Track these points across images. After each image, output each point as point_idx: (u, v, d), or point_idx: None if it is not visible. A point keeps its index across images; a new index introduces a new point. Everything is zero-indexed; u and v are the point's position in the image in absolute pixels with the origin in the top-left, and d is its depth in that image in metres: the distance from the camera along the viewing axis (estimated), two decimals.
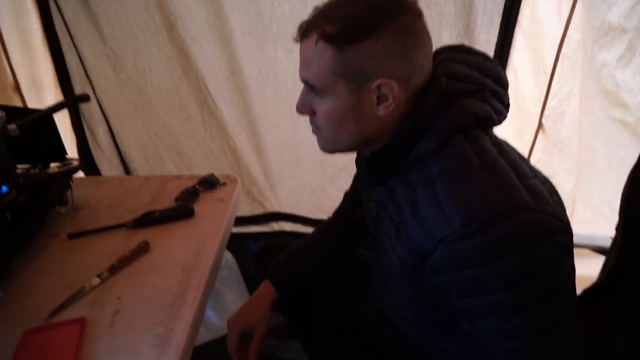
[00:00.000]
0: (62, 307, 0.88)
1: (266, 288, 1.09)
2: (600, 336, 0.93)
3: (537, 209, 0.64)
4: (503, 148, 0.72)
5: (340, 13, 0.69)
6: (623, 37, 1.17)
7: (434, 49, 0.78)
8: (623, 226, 0.94)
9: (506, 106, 0.79)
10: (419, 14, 0.71)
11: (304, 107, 0.78)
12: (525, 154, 1.64)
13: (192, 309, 0.86)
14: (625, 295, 0.92)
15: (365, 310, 1.04)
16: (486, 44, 1.55)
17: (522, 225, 0.63)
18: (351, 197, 1.17)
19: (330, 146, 0.81)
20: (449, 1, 1.49)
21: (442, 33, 1.55)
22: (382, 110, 0.72)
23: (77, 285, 0.93)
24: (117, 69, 1.68)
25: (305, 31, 0.72)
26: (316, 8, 0.72)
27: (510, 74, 1.58)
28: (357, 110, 0.72)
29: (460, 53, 0.78)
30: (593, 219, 1.46)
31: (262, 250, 1.30)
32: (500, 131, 1.68)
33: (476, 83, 0.74)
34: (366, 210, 0.93)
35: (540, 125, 1.58)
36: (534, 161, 1.64)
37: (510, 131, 1.66)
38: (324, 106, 0.74)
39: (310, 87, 0.75)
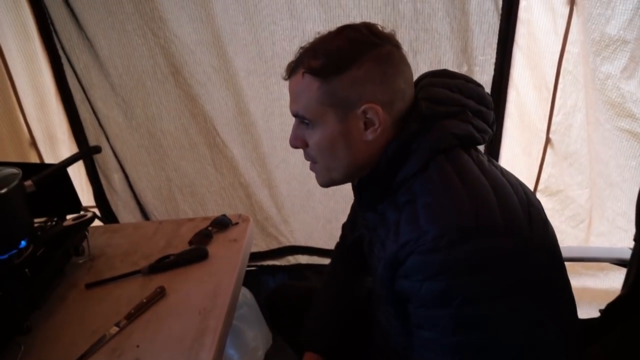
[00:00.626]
0: (83, 357, 0.89)
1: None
2: (631, 350, 0.91)
3: (503, 232, 0.66)
4: (484, 166, 0.75)
5: (323, 48, 0.75)
6: (624, 48, 1.18)
7: (459, 73, 0.83)
8: None
9: (491, 125, 0.81)
10: (396, 45, 0.76)
11: (296, 141, 0.81)
12: (535, 171, 1.63)
13: (211, 352, 0.86)
14: None
15: (374, 339, 1.02)
16: (486, 65, 1.57)
17: (485, 247, 0.65)
18: (349, 226, 1.18)
19: (326, 177, 0.84)
20: (444, 25, 1.52)
21: (441, 58, 1.57)
22: (370, 135, 0.75)
23: (97, 335, 0.93)
24: (128, 116, 1.73)
25: (292, 69, 0.77)
26: (301, 47, 0.78)
27: (513, 92, 1.59)
28: (346, 136, 0.76)
29: (442, 78, 0.81)
30: (610, 231, 1.44)
31: (272, 295, 1.29)
32: (508, 149, 1.69)
33: (457, 105, 0.77)
34: (359, 238, 0.95)
35: (548, 140, 1.58)
36: (545, 177, 1.63)
37: (518, 149, 1.66)
38: (315, 136, 0.78)
39: (301, 120, 0.79)
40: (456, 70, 1.61)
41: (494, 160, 0.80)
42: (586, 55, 1.32)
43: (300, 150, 0.84)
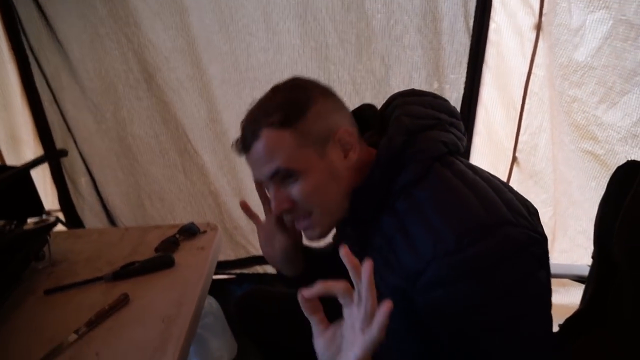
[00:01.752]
0: None
1: None
2: None
3: (515, 223, 0.68)
4: (475, 169, 0.77)
5: (273, 105, 0.76)
6: (592, 74, 1.22)
7: (406, 88, 0.88)
8: (598, 255, 0.96)
9: (464, 133, 0.85)
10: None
11: (283, 203, 0.78)
12: None
13: None
14: (605, 323, 0.93)
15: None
16: (456, 83, 1.62)
17: (507, 238, 0.67)
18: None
19: (326, 223, 0.81)
20: (416, 43, 1.56)
21: (412, 74, 1.61)
22: (352, 158, 0.78)
23: (54, 343, 0.90)
24: (97, 119, 1.71)
25: (249, 138, 0.76)
26: (243, 121, 0.80)
27: (482, 110, 1.64)
28: (331, 171, 0.77)
29: (412, 96, 0.85)
30: (571, 248, 1.48)
31: (242, 298, 1.27)
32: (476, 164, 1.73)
33: (434, 118, 0.80)
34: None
35: (514, 159, 1.63)
36: None
37: (486, 165, 1.68)
38: (305, 185, 0.76)
39: (282, 176, 0.77)
40: (427, 88, 1.67)
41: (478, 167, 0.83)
42: (552, 78, 1.37)
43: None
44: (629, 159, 0.90)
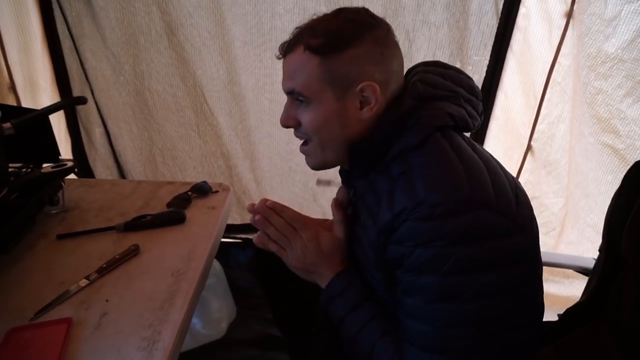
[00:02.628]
0: (49, 307, 0.88)
1: None
2: (583, 355, 0.95)
3: (496, 208, 0.68)
4: (476, 148, 0.78)
5: (323, 27, 0.76)
6: (621, 67, 1.20)
7: (452, 65, 0.85)
8: (606, 248, 0.97)
9: (480, 114, 0.84)
10: (389, 29, 0.80)
11: (288, 120, 0.82)
12: (514, 175, 1.67)
13: (181, 313, 0.86)
14: (606, 315, 0.94)
15: None
16: (479, 65, 1.60)
17: (480, 220, 0.67)
18: None
19: (319, 158, 0.84)
20: (443, 23, 1.54)
21: (436, 52, 1.59)
22: (365, 114, 0.78)
23: (65, 286, 0.93)
24: (116, 71, 1.70)
25: (289, 46, 0.78)
26: (298, 27, 0.79)
27: (501, 95, 1.62)
28: (342, 115, 0.78)
29: (435, 67, 0.84)
30: (579, 240, 1.49)
31: (258, 255, 1.28)
32: (490, 150, 1.72)
33: (450, 90, 0.80)
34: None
35: (529, 147, 1.62)
36: (522, 182, 1.66)
37: (500, 152, 1.69)
38: (310, 114, 0.79)
39: (296, 97, 0.79)
40: None
41: (481, 147, 0.83)
42: (578, 68, 1.35)
43: (287, 129, 0.84)
44: None
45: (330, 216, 1.26)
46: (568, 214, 1.53)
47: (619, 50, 1.19)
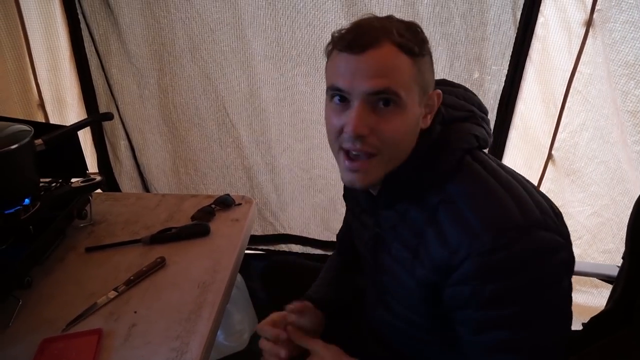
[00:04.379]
0: (80, 318, 0.91)
1: None
2: None
3: (546, 226, 0.68)
4: (505, 167, 0.77)
5: (403, 28, 0.70)
6: None
7: (446, 76, 0.88)
8: (630, 255, 0.95)
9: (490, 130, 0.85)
10: None
11: (364, 127, 0.70)
12: (535, 184, 1.66)
13: (208, 324, 0.88)
14: (632, 324, 0.93)
15: (368, 344, 1.02)
16: (497, 75, 1.60)
17: (540, 241, 0.67)
18: (346, 237, 1.14)
19: (380, 173, 0.75)
20: (460, 31, 1.54)
21: (454, 62, 1.59)
22: (423, 123, 0.75)
23: (94, 298, 0.96)
24: (141, 85, 1.74)
25: (369, 40, 0.68)
26: (360, 22, 0.72)
27: (521, 105, 1.62)
28: (417, 121, 0.74)
29: (445, 86, 0.83)
30: (618, 249, 1.46)
31: (268, 269, 1.31)
32: (509, 160, 1.71)
33: (467, 110, 0.80)
34: (357, 237, 0.96)
35: (550, 156, 1.60)
36: (543, 191, 1.65)
37: (520, 161, 1.68)
38: (399, 119, 0.70)
39: (384, 99, 0.69)
40: (467, 77, 1.65)
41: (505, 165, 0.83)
42: (608, 77, 1.33)
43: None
44: None
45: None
46: (609, 222, 1.50)
47: None
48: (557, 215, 0.72)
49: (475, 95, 0.86)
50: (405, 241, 0.78)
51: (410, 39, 0.69)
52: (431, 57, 0.74)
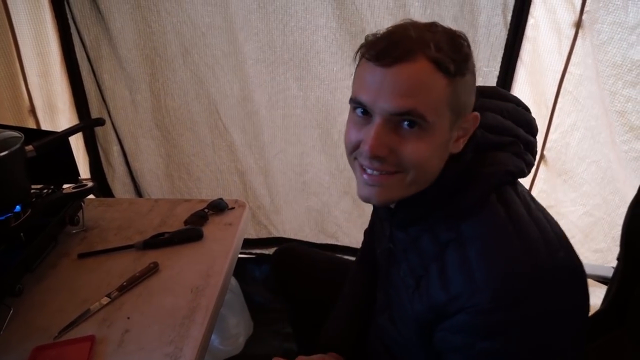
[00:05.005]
0: (72, 325, 0.90)
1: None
2: None
3: (556, 279, 0.62)
4: (530, 207, 0.68)
5: (446, 43, 0.62)
6: None
7: (510, 94, 0.79)
8: (624, 256, 0.96)
9: (535, 153, 0.77)
10: None
11: (382, 148, 0.64)
12: (527, 185, 1.67)
13: (201, 329, 0.88)
14: (626, 324, 0.93)
15: (370, 341, 1.02)
16: (489, 77, 1.61)
17: (542, 306, 0.61)
18: (369, 232, 1.13)
19: (399, 194, 0.69)
20: None
21: None
22: (455, 147, 0.68)
23: (87, 304, 0.95)
24: (132, 90, 1.74)
25: (403, 52, 0.61)
26: (396, 28, 0.65)
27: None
28: (446, 146, 0.67)
29: (493, 99, 0.75)
30: (609, 248, 1.47)
31: (279, 255, 1.29)
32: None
33: (510, 135, 0.72)
34: (377, 240, 0.94)
35: (542, 156, 1.61)
36: (535, 192, 1.66)
37: None
38: (423, 143, 0.64)
39: (408, 120, 0.63)
40: None
41: (533, 197, 0.75)
42: (597, 77, 1.34)
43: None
44: None
45: (344, 229, 1.27)
46: (600, 222, 1.51)
47: None
48: (569, 250, 0.66)
49: (528, 111, 0.78)
50: (412, 268, 0.75)
51: (449, 54, 0.61)
52: (474, 75, 0.66)
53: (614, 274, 1.01)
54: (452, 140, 0.67)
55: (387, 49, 0.61)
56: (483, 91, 0.75)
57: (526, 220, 0.65)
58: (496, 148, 0.70)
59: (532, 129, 0.76)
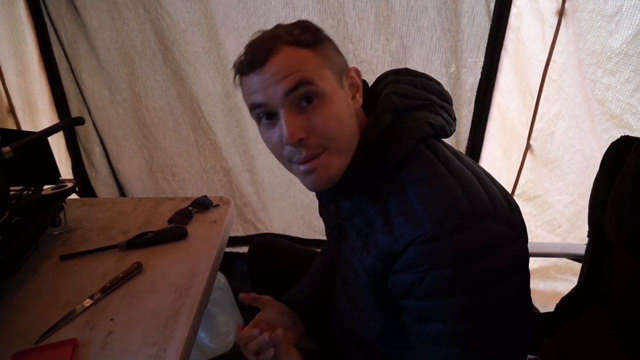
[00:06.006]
0: (54, 328, 0.88)
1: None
2: (581, 344, 0.94)
3: (495, 216, 0.67)
4: (460, 156, 0.76)
5: (289, 28, 0.73)
6: (627, 61, 1.20)
7: (423, 70, 0.85)
8: (593, 233, 0.96)
9: (454, 119, 0.84)
10: None
11: (299, 130, 0.69)
12: (514, 175, 1.67)
13: (186, 329, 0.86)
14: (600, 300, 0.94)
15: (335, 333, 1.02)
16: (473, 67, 1.60)
17: (486, 232, 0.66)
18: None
19: (335, 166, 0.73)
20: (436, 24, 1.54)
21: (430, 57, 1.59)
22: (358, 101, 0.76)
23: (69, 307, 0.93)
24: (112, 90, 1.71)
25: (265, 52, 0.69)
26: (248, 44, 0.73)
27: (498, 96, 1.62)
28: (347, 103, 0.74)
29: (405, 75, 0.83)
30: None
31: (256, 246, 1.29)
32: (489, 151, 1.72)
33: (424, 99, 0.79)
34: (327, 229, 0.96)
35: (528, 146, 1.61)
36: (522, 182, 1.67)
37: (499, 152, 1.69)
38: (328, 108, 0.70)
39: (302, 95, 0.69)
40: (444, 71, 1.64)
41: (463, 153, 0.82)
42: (579, 65, 1.34)
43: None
44: (624, 135, 0.87)
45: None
46: (586, 210, 1.51)
47: (624, 45, 1.19)
48: (511, 206, 0.71)
49: (440, 84, 0.84)
50: (358, 231, 0.78)
51: (301, 33, 0.71)
52: (331, 40, 0.75)
53: (586, 251, 1.02)
54: (350, 97, 0.75)
55: (253, 57, 0.70)
56: (397, 71, 0.84)
57: (457, 165, 0.72)
58: (413, 109, 0.76)
59: (445, 97, 0.83)
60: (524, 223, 0.73)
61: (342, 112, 0.72)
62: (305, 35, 0.71)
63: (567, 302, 1.01)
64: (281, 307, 0.97)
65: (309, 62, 0.70)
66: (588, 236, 0.99)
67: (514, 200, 0.74)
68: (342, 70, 0.75)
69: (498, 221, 0.67)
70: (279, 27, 0.74)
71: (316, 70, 0.70)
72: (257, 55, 0.69)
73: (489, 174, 0.76)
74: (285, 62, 0.69)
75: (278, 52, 0.69)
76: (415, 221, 0.66)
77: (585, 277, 0.99)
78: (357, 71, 0.77)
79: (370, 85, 0.87)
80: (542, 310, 1.15)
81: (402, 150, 0.72)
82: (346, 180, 0.76)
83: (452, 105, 0.84)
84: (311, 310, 1.00)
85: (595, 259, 0.96)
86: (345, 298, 0.88)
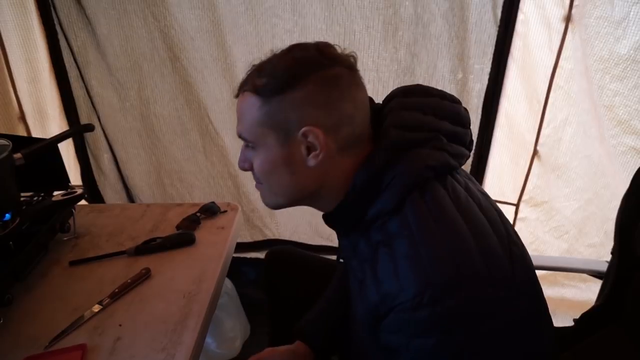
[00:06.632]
0: (63, 334, 0.89)
1: (301, 348, 1.04)
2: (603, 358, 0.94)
3: (487, 281, 0.63)
4: (461, 201, 0.69)
5: (270, 67, 0.71)
6: (635, 67, 1.20)
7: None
8: (619, 250, 0.96)
9: (468, 145, 0.79)
10: (349, 67, 0.72)
11: (244, 163, 0.78)
12: (521, 181, 1.67)
13: (194, 335, 0.87)
14: (622, 319, 0.93)
15: (345, 347, 1.02)
16: (480, 74, 1.60)
17: (473, 299, 0.62)
18: None
19: (270, 200, 0.80)
20: (443, 32, 1.54)
21: (437, 63, 1.59)
22: (312, 161, 0.71)
23: (79, 312, 0.93)
24: (121, 97, 1.72)
25: (240, 88, 0.74)
26: (253, 65, 0.75)
27: (505, 102, 1.62)
28: (288, 161, 0.72)
29: (415, 96, 0.78)
30: (602, 243, 1.46)
31: (272, 254, 1.29)
32: (497, 158, 1.71)
33: (430, 130, 0.73)
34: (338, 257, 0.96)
35: (535, 152, 1.61)
36: (530, 187, 1.66)
37: (507, 158, 1.69)
38: (257, 159, 0.74)
39: (245, 141, 0.75)
40: (451, 78, 1.64)
41: (471, 184, 0.76)
42: (586, 71, 1.34)
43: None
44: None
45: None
46: (593, 216, 1.51)
47: (632, 51, 1.19)
48: (514, 259, 0.67)
49: (456, 103, 0.79)
50: (355, 272, 0.78)
51: (266, 81, 0.69)
52: (307, 92, 0.69)
53: (609, 268, 1.01)
54: (299, 155, 0.71)
55: (238, 87, 0.75)
56: (405, 90, 0.79)
57: (451, 216, 0.67)
58: (416, 145, 0.71)
59: (461, 119, 0.78)
60: (532, 274, 0.70)
61: (274, 165, 0.73)
62: (271, 84, 0.69)
63: (588, 318, 1.00)
64: (282, 353, 1.01)
65: (249, 115, 0.72)
66: (612, 253, 0.97)
67: (519, 247, 0.70)
68: (293, 127, 0.70)
69: (491, 284, 0.63)
70: (270, 60, 0.73)
71: (252, 126, 0.72)
72: (239, 88, 0.75)
73: (495, 220, 0.71)
74: (239, 108, 0.74)
75: (240, 96, 0.74)
76: (398, 286, 0.64)
77: (607, 294, 0.97)
78: (314, 133, 0.69)
79: (380, 97, 0.83)
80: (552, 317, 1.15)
81: (392, 200, 0.68)
82: (338, 220, 0.78)
83: (469, 127, 0.79)
84: (321, 342, 1.02)
85: (619, 277, 0.95)
86: (354, 322, 0.87)
